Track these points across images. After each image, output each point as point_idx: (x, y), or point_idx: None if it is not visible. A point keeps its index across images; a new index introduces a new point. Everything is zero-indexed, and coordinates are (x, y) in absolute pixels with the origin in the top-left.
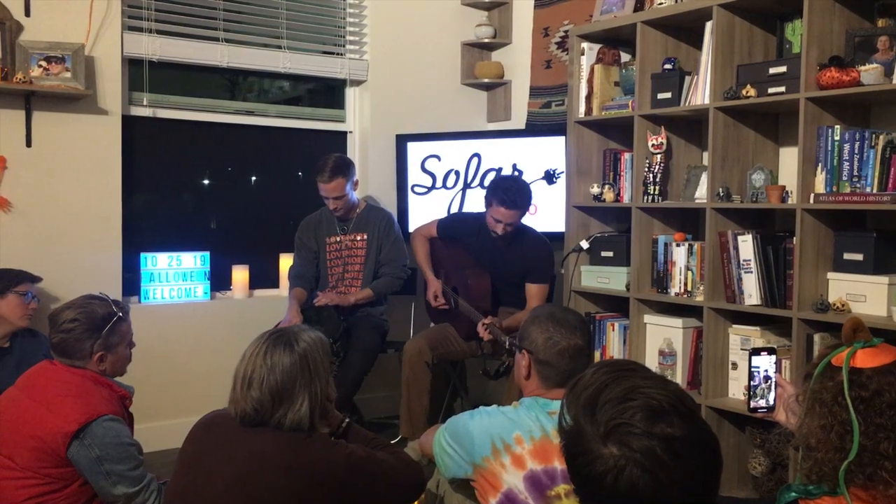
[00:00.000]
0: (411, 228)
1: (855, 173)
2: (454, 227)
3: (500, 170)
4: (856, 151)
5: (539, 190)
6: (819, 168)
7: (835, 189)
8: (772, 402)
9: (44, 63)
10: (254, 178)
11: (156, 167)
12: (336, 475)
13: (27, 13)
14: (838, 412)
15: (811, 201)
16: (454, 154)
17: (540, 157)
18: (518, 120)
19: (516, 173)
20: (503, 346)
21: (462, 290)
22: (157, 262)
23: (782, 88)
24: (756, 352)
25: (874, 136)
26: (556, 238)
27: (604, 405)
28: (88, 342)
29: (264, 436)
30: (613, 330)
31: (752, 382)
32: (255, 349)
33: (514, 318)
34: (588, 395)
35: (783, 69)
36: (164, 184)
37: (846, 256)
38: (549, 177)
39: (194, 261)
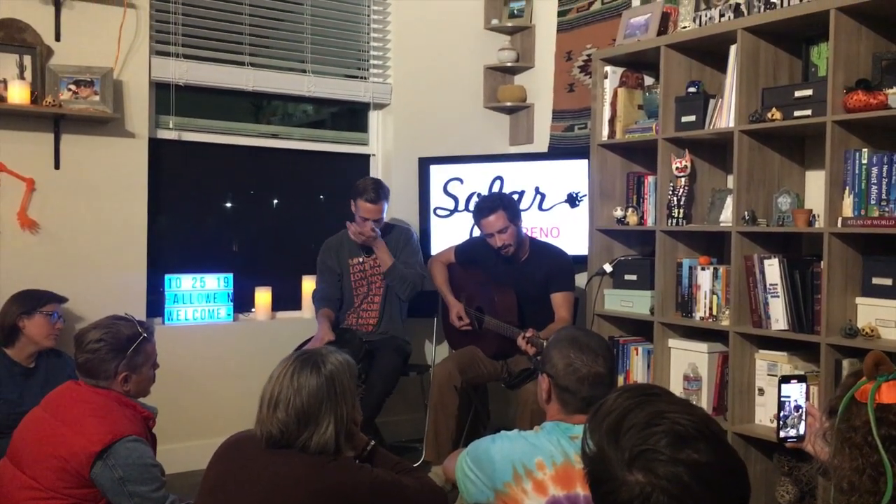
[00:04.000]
0: (433, 251)
1: (883, 197)
2: (472, 252)
3: (522, 193)
4: (884, 175)
5: (562, 213)
6: (847, 191)
7: (863, 213)
8: (802, 433)
9: (73, 87)
10: (277, 201)
11: (181, 189)
12: (361, 499)
13: (57, 38)
14: (869, 454)
15: (839, 225)
16: (477, 177)
17: (563, 180)
18: (541, 143)
19: (515, 195)
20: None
21: (488, 307)
22: (182, 284)
23: (808, 112)
24: (786, 380)
25: None
26: (580, 261)
27: (628, 431)
28: (113, 363)
29: (290, 458)
30: (637, 354)
31: (781, 412)
32: (283, 370)
33: (549, 330)
34: (612, 421)
35: (809, 92)
36: (188, 206)
37: (875, 281)
38: (572, 200)
39: (218, 282)
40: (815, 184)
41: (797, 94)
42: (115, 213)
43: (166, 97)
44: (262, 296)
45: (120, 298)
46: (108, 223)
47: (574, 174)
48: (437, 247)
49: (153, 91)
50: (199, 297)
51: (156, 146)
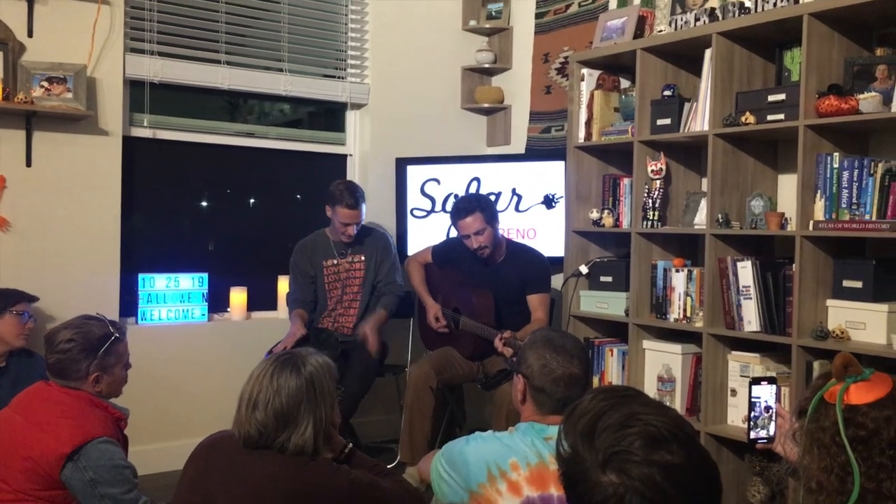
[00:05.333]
0: (410, 251)
1: (854, 201)
2: (449, 252)
3: (499, 194)
4: (855, 179)
5: (538, 214)
6: (818, 195)
7: (834, 216)
8: (772, 433)
9: (45, 83)
10: (253, 200)
11: (155, 188)
12: (339, 500)
13: (30, 34)
14: (837, 454)
15: (810, 228)
16: (454, 178)
17: (539, 181)
18: (518, 145)
19: (492, 196)
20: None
21: (465, 308)
22: (155, 284)
23: (781, 116)
24: (756, 381)
25: (873, 163)
26: (555, 263)
27: (602, 432)
28: (84, 363)
29: (267, 459)
30: (612, 355)
31: (752, 413)
32: (262, 371)
33: (525, 331)
34: (586, 422)
35: (782, 97)
36: (163, 205)
37: (845, 284)
38: (549, 201)
39: (192, 282)
40: (788, 187)
41: (770, 98)
42: (88, 211)
43: (141, 95)
44: (238, 296)
45: (92, 298)
46: (81, 222)
47: (550, 176)
48: (413, 248)
49: (127, 89)
50: (173, 297)
51: (130, 144)
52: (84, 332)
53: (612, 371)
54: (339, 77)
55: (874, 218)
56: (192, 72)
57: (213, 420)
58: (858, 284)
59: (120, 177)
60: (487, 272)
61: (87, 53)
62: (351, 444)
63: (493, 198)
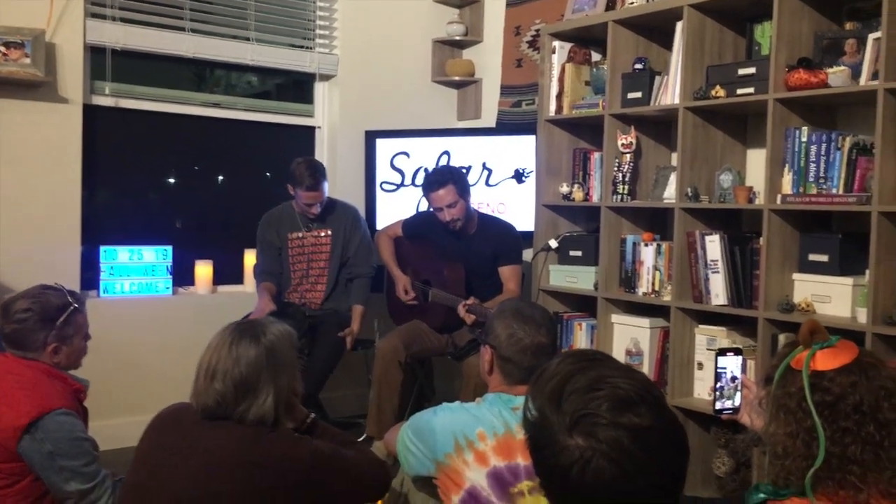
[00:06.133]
0: (379, 226)
1: (821, 175)
2: (421, 226)
3: (469, 168)
4: (822, 153)
5: (509, 188)
6: (786, 169)
7: (801, 190)
8: (738, 404)
9: (2, 48)
10: (219, 172)
11: (118, 159)
12: (300, 471)
13: None
14: (803, 419)
15: (778, 202)
16: (424, 151)
17: (510, 155)
18: (488, 118)
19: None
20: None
21: (436, 280)
22: (118, 256)
23: (751, 89)
24: (722, 352)
25: (840, 137)
26: (525, 237)
27: (570, 395)
28: (42, 333)
29: (226, 430)
30: (581, 329)
31: (718, 384)
32: (220, 340)
33: (494, 301)
34: (553, 386)
35: (752, 70)
36: (126, 176)
37: (811, 257)
38: (519, 176)
39: (156, 255)
40: (757, 161)
41: (740, 71)
42: (47, 181)
43: (102, 62)
44: (203, 269)
45: (52, 270)
46: (40, 192)
47: (521, 150)
48: (382, 221)
49: (88, 55)
50: (136, 270)
51: (91, 113)
52: (42, 302)
53: (581, 345)
54: (307, 47)
55: (841, 192)
56: (156, 39)
57: (176, 395)
58: (824, 258)
59: (80, 146)
60: (459, 245)
61: (45, 18)
62: (314, 415)
63: (463, 171)
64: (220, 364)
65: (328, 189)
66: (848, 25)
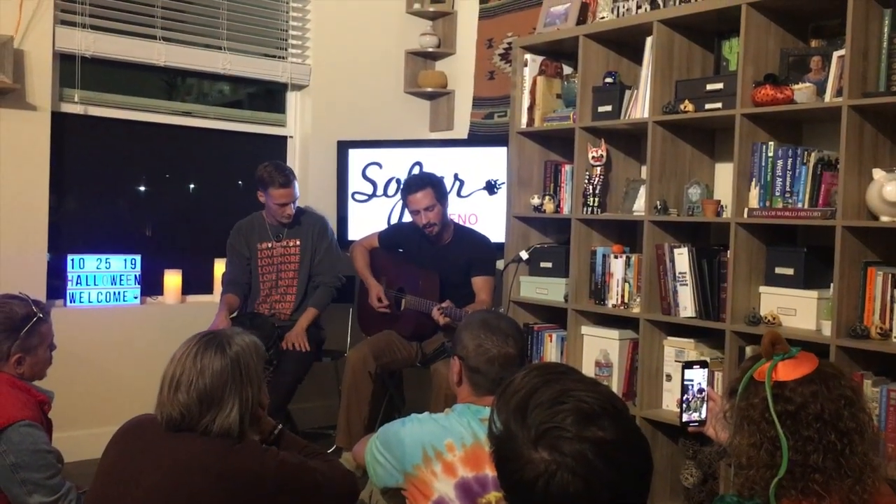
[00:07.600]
0: (351, 236)
1: (787, 189)
2: (396, 236)
3: (441, 179)
4: (788, 168)
5: (480, 200)
6: (753, 183)
7: (768, 204)
8: (704, 416)
9: None
10: (189, 181)
11: (87, 167)
12: (266, 483)
13: None
14: (766, 429)
15: (745, 216)
16: (396, 162)
17: (481, 167)
18: (460, 130)
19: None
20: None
21: (411, 288)
22: (85, 265)
23: (719, 104)
24: (689, 365)
25: (806, 153)
26: (497, 248)
27: (534, 409)
28: (6, 343)
29: (191, 442)
30: (551, 341)
31: (684, 396)
32: (185, 351)
33: (467, 309)
34: (518, 399)
35: (720, 86)
36: (95, 184)
37: (777, 271)
38: (491, 187)
39: (125, 264)
40: (724, 175)
41: (709, 87)
42: (14, 189)
43: (72, 69)
44: (172, 279)
45: (17, 278)
46: (6, 199)
47: (493, 161)
48: (354, 232)
49: (57, 62)
50: (104, 279)
51: (60, 120)
52: (6, 312)
53: (551, 356)
54: (279, 57)
55: (806, 206)
56: (127, 47)
57: (143, 407)
58: (790, 271)
59: (48, 153)
60: (434, 253)
61: (14, 24)
62: (280, 426)
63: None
64: (185, 375)
65: (299, 197)
66: (813, 43)
